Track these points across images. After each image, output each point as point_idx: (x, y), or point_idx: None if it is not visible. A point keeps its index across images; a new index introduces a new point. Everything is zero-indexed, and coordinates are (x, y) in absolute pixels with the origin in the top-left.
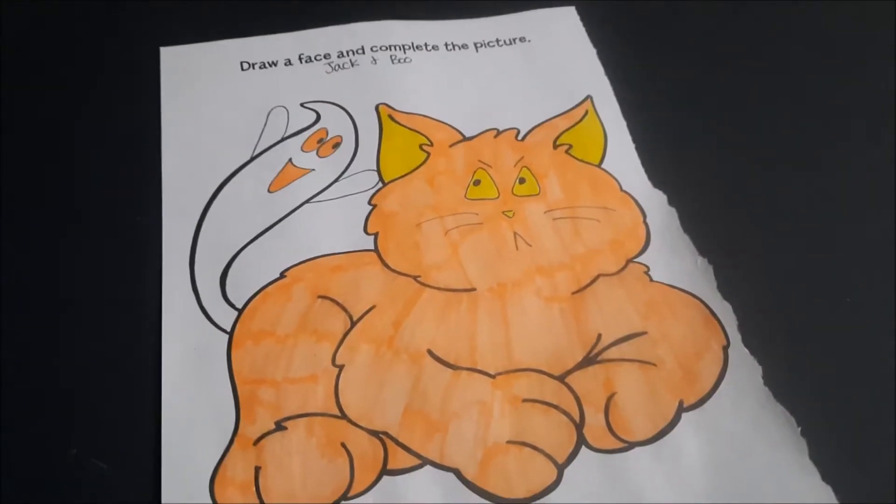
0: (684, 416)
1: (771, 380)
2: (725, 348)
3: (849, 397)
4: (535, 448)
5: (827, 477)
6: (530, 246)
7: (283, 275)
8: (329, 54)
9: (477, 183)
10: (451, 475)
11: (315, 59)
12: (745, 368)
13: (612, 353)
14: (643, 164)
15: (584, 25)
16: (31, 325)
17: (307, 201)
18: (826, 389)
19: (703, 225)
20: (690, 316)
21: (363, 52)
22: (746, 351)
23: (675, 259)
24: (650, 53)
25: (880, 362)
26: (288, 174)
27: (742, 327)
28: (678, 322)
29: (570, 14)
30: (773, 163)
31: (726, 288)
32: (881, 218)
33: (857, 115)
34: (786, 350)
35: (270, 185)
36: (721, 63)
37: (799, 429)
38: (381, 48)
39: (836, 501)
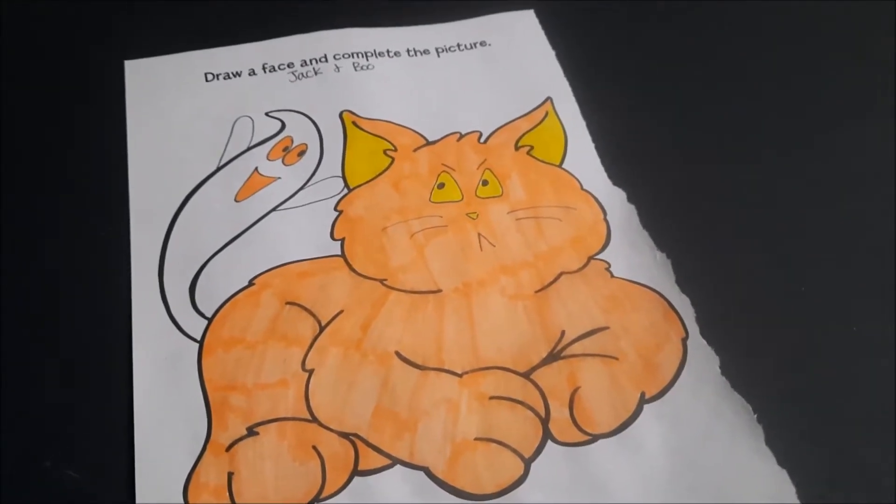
0: (646, 407)
1: (728, 370)
2: (684, 340)
3: (803, 384)
4: (502, 444)
5: (782, 461)
6: (494, 246)
7: (251, 282)
8: (293, 63)
9: (441, 186)
10: (422, 473)
11: (279, 68)
12: (704, 359)
13: (576, 348)
14: (602, 163)
15: (543, 28)
16: (0, 337)
17: (274, 209)
18: (781, 377)
19: (662, 221)
20: (650, 309)
21: (326, 61)
22: (704, 342)
23: (634, 254)
24: (607, 54)
25: (835, 349)
26: (254, 183)
27: (700, 319)
28: (639, 316)
29: (528, 17)
30: (728, 158)
31: (684, 281)
32: (834, 208)
33: (811, 107)
34: (742, 340)
35: (237, 194)
36: (676, 62)
37: (755, 416)
38: (343, 56)
39: (791, 484)
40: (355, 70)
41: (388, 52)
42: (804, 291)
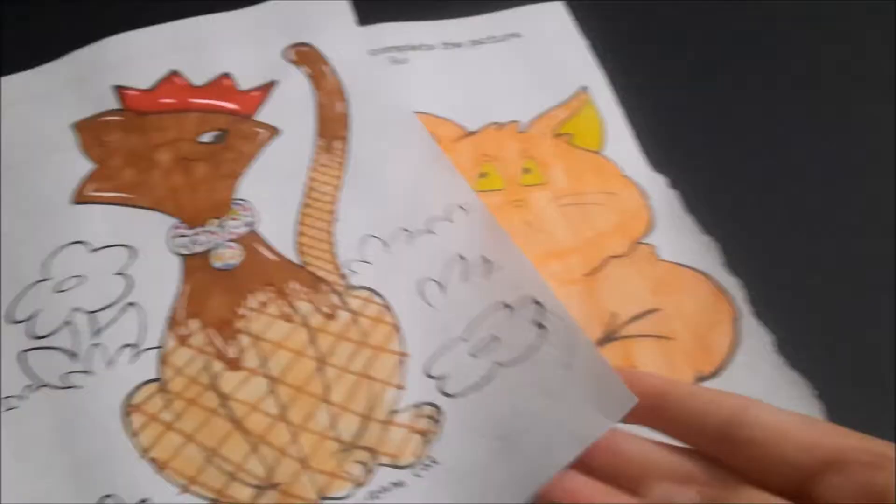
0: (702, 384)
1: (783, 348)
2: (736, 320)
3: (860, 358)
4: None
5: None
6: (541, 233)
7: None
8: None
9: (483, 175)
10: None
11: None
12: (757, 338)
13: (629, 329)
14: (641, 150)
15: (573, 19)
16: None
17: None
18: (837, 353)
19: (705, 205)
20: (700, 291)
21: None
22: (756, 322)
23: (680, 239)
24: (640, 43)
25: (886, 322)
26: None
27: (750, 300)
28: (688, 297)
29: (558, 8)
30: (770, 140)
31: (732, 264)
32: (881, 188)
33: (854, 92)
34: (794, 319)
35: None
36: (710, 45)
37: (815, 393)
38: (380, 50)
39: None
40: (392, 63)
41: (422, 45)
42: (853, 270)
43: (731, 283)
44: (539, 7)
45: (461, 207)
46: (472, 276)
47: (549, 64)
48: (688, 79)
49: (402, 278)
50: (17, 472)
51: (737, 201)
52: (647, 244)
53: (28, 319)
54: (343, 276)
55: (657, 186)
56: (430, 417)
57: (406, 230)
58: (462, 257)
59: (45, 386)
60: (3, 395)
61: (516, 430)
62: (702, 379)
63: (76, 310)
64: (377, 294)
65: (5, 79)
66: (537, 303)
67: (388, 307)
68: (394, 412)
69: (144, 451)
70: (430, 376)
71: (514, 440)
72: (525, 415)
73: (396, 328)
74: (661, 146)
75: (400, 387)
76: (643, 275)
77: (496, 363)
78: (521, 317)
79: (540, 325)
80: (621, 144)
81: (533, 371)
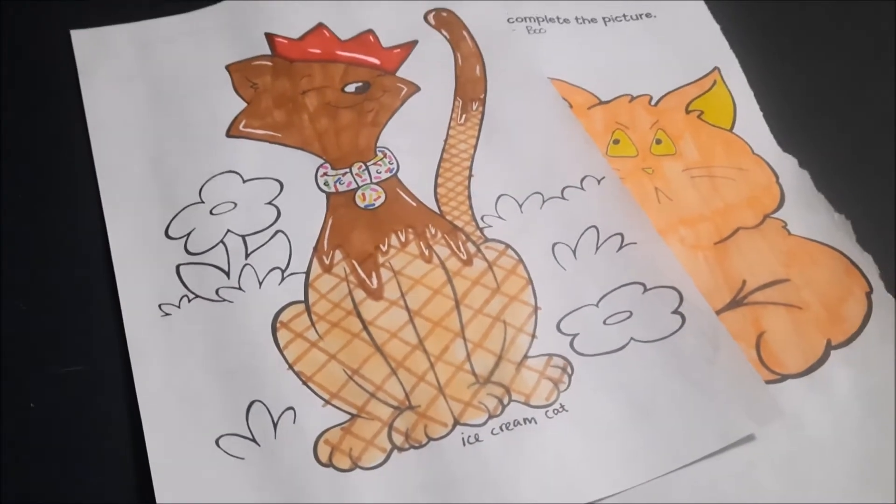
0: (833, 353)
1: None
2: (869, 294)
3: None
4: None
5: None
6: (671, 200)
7: None
8: None
9: (616, 142)
10: None
11: None
12: (891, 311)
13: (758, 296)
14: (771, 130)
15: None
16: None
17: None
18: None
19: (836, 186)
20: (831, 265)
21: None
22: (890, 296)
23: (811, 215)
24: (770, 26)
25: None
26: None
27: (884, 276)
28: (820, 270)
29: None
30: None
31: (864, 241)
32: None
33: None
34: None
35: None
36: (837, 29)
37: None
38: (517, 19)
39: None
40: (528, 33)
41: (557, 18)
42: None
43: (865, 259)
44: None
45: (594, 177)
46: (604, 248)
47: (681, 44)
48: (817, 62)
49: (535, 238)
50: (170, 373)
51: (867, 181)
52: (777, 218)
53: (184, 237)
54: (479, 228)
55: (787, 165)
56: (562, 369)
57: (540, 193)
58: (595, 228)
59: (199, 297)
60: (160, 303)
61: (652, 404)
62: (833, 347)
63: (229, 232)
64: (511, 248)
65: (166, 19)
66: (676, 290)
67: (521, 262)
68: (526, 357)
69: (291, 365)
70: (562, 332)
71: (648, 412)
72: (662, 392)
73: (529, 282)
74: (790, 127)
75: (532, 335)
76: (773, 247)
77: (630, 336)
78: (657, 300)
79: (678, 313)
80: (751, 123)
81: (670, 353)
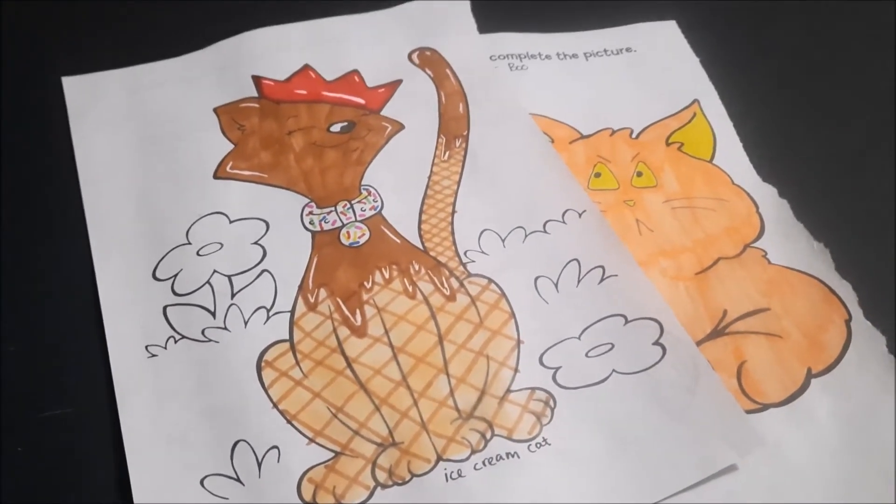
0: (814, 381)
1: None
2: (848, 322)
3: None
4: None
5: None
6: (652, 231)
7: None
8: None
9: (598, 175)
10: None
11: None
12: (869, 338)
13: (739, 326)
14: (751, 160)
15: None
16: None
17: None
18: None
19: (815, 214)
20: (811, 293)
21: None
22: (869, 323)
23: (790, 244)
24: (749, 59)
25: None
26: None
27: (863, 303)
28: (799, 299)
29: (671, 27)
30: (874, 152)
31: (844, 269)
32: None
33: None
34: None
35: None
36: (816, 62)
37: None
38: (499, 57)
39: None
40: (511, 70)
41: (539, 54)
42: None
43: (844, 287)
44: (652, 25)
45: (575, 211)
46: (586, 280)
47: (661, 77)
48: (796, 92)
49: (518, 272)
50: (156, 414)
51: (846, 209)
52: (757, 248)
53: (171, 278)
54: (462, 264)
55: (767, 195)
56: (545, 402)
57: (522, 228)
58: (576, 261)
59: (185, 338)
60: (146, 344)
61: (634, 436)
62: (813, 375)
63: (215, 272)
64: (494, 283)
65: (156, 63)
66: (656, 322)
67: (504, 296)
68: (509, 391)
69: (275, 403)
70: (544, 365)
71: (630, 444)
72: (643, 424)
73: (512, 315)
74: (769, 158)
75: (515, 369)
76: (753, 276)
77: (612, 369)
78: (638, 332)
79: (659, 345)
80: (731, 154)
81: (651, 385)
